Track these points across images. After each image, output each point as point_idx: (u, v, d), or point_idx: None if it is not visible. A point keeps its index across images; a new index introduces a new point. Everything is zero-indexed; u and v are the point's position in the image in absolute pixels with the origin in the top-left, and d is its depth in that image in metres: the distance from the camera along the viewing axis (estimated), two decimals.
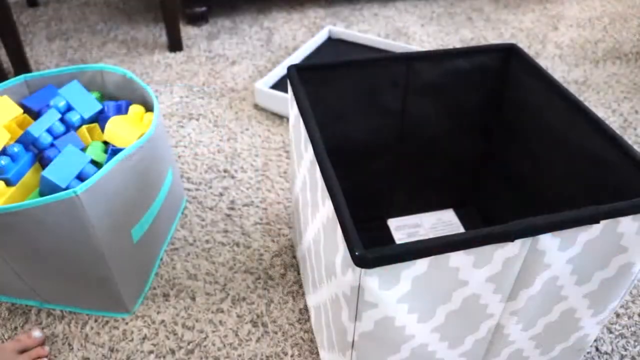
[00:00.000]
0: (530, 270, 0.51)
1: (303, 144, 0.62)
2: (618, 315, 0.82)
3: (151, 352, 0.77)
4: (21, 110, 0.82)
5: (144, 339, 0.79)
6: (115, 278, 0.76)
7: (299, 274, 0.88)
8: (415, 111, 0.80)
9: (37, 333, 0.76)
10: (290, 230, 0.95)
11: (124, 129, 0.80)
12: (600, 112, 1.26)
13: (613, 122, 1.23)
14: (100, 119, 0.86)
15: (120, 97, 0.91)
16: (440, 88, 0.78)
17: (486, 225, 0.94)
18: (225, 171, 1.08)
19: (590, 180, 0.64)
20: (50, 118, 0.80)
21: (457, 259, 0.47)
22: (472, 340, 0.58)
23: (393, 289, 0.47)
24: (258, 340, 0.79)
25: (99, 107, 0.85)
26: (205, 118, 1.22)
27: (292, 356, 0.77)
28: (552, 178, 0.72)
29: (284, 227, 0.96)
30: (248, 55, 1.45)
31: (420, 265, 0.46)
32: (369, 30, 1.58)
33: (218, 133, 1.18)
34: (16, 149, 0.77)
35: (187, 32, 1.57)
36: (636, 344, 0.78)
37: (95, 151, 0.80)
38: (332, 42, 1.46)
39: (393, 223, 0.94)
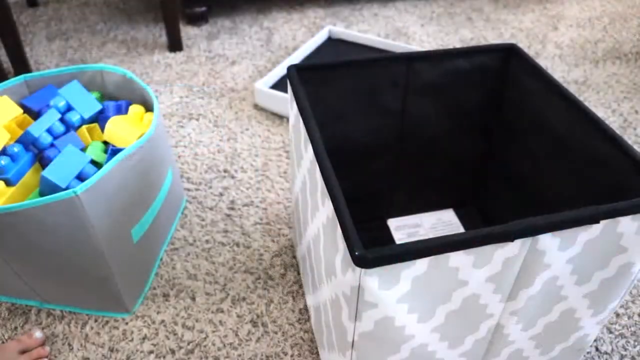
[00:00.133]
0: (530, 270, 0.51)
1: (303, 144, 0.62)
2: (618, 315, 0.82)
3: (151, 352, 0.77)
4: (21, 110, 0.82)
5: (144, 339, 0.79)
6: (115, 278, 0.76)
7: (299, 274, 0.88)
8: (415, 111, 0.80)
9: (38, 333, 0.76)
10: (290, 230, 0.95)
11: (124, 129, 0.80)
12: (600, 112, 1.26)
13: (613, 122, 1.23)
14: (100, 119, 0.86)
15: (120, 97, 0.91)
16: (440, 88, 0.78)
17: (486, 225, 0.94)
18: (225, 171, 1.08)
19: (590, 180, 0.64)
20: (50, 118, 0.80)
21: (457, 259, 0.47)
22: (472, 340, 0.58)
23: (393, 289, 0.47)
24: (258, 340, 0.79)
25: (99, 107, 0.85)
26: (205, 118, 1.22)
27: (292, 356, 0.77)
28: (552, 178, 0.72)
29: (284, 227, 0.96)
30: (248, 55, 1.45)
31: (420, 265, 0.46)
32: (369, 30, 1.58)
33: (218, 133, 1.18)
34: (16, 149, 0.77)
35: (187, 32, 1.57)
36: (636, 344, 0.78)
37: (95, 151, 0.80)
38: (332, 42, 1.46)
39: (393, 223, 0.94)
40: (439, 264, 0.47)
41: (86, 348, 0.78)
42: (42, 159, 0.79)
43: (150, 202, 0.81)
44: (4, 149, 0.77)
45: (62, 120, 0.83)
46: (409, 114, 0.80)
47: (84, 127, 0.84)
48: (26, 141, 0.78)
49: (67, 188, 0.72)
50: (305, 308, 0.83)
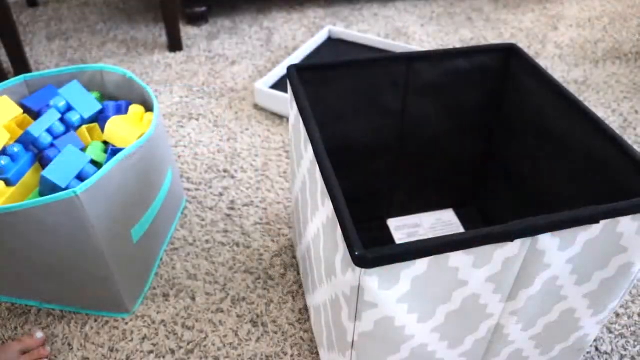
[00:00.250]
0: (530, 270, 0.51)
1: (303, 144, 0.62)
2: (618, 315, 0.82)
3: (151, 352, 0.77)
4: (21, 110, 0.82)
5: (143, 339, 0.79)
6: (115, 278, 0.76)
7: (299, 274, 0.88)
8: (415, 111, 0.80)
9: (39, 334, 0.76)
10: (290, 230, 0.95)
11: (124, 129, 0.80)
12: (600, 112, 1.26)
13: (613, 122, 1.23)
14: (100, 119, 0.86)
15: (120, 97, 0.91)
16: (440, 88, 0.78)
17: (486, 225, 0.94)
18: (225, 171, 1.08)
19: (590, 180, 0.64)
20: (50, 118, 0.80)
21: (457, 259, 0.47)
22: (472, 340, 0.58)
23: (393, 289, 0.47)
24: (258, 340, 0.79)
25: (99, 107, 0.85)
26: (205, 118, 1.22)
27: (292, 356, 0.77)
28: (552, 178, 0.72)
29: (284, 227, 0.96)
30: (248, 55, 1.45)
31: (420, 265, 0.46)
32: (369, 30, 1.58)
33: (218, 133, 1.18)
34: (16, 149, 0.77)
35: (187, 32, 1.57)
36: (636, 343, 0.78)
37: (95, 151, 0.80)
38: (332, 42, 1.46)
39: (393, 223, 0.94)
40: (439, 264, 0.47)
41: (86, 348, 0.78)
42: (42, 159, 0.79)
43: (150, 202, 0.81)
44: (4, 149, 0.77)
45: (62, 120, 0.83)
46: (409, 114, 0.80)
47: (84, 127, 0.84)
48: (26, 141, 0.78)
49: (67, 188, 0.72)
50: (305, 308, 0.83)
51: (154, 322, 0.81)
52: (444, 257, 0.46)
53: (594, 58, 1.46)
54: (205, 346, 0.78)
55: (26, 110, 0.85)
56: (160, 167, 0.82)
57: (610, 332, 0.80)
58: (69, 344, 0.78)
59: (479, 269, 0.49)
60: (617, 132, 1.15)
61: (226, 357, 0.76)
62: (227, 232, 0.95)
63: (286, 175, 1.07)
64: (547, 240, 0.49)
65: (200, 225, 0.96)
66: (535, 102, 0.73)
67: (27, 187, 0.76)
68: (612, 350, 0.77)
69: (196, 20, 1.59)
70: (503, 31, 1.59)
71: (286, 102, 1.18)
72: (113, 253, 0.74)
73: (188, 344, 0.78)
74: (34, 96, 0.86)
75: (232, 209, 0.99)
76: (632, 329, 0.80)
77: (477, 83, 0.79)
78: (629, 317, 0.82)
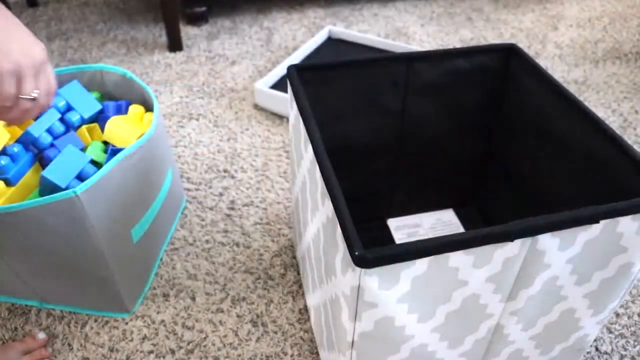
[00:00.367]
0: (530, 270, 0.51)
1: (303, 144, 0.62)
2: (618, 315, 0.82)
3: (151, 352, 0.77)
4: None
5: (143, 338, 0.79)
6: (115, 278, 0.76)
7: (298, 274, 0.88)
8: (415, 111, 0.80)
9: (41, 335, 0.77)
10: (290, 230, 0.95)
11: (123, 129, 0.80)
12: (600, 112, 1.26)
13: (613, 122, 1.23)
14: (100, 119, 0.86)
15: (120, 97, 0.91)
16: (440, 88, 0.78)
17: (486, 225, 0.94)
18: (225, 171, 1.08)
19: (590, 180, 0.64)
20: (50, 118, 0.80)
21: (457, 259, 0.47)
22: (472, 340, 0.58)
23: (393, 289, 0.47)
24: (258, 340, 0.79)
25: (98, 107, 0.85)
26: (205, 118, 1.22)
27: (292, 356, 0.77)
28: (552, 178, 0.72)
29: (284, 227, 0.96)
30: (248, 55, 1.45)
31: (420, 265, 0.46)
32: (368, 30, 1.58)
33: (218, 133, 1.18)
34: (16, 149, 0.77)
35: (187, 32, 1.57)
36: (636, 343, 0.78)
37: (95, 151, 0.80)
38: (332, 42, 1.46)
39: (393, 223, 0.94)
40: (439, 264, 0.47)
41: (86, 348, 0.78)
42: (42, 159, 0.79)
43: (150, 202, 0.81)
44: (4, 149, 0.77)
45: (62, 120, 0.83)
46: (409, 114, 0.80)
47: (84, 127, 0.84)
48: (26, 141, 0.78)
49: (67, 188, 0.72)
50: (305, 308, 0.83)
51: (153, 322, 0.81)
52: (444, 257, 0.46)
53: (594, 58, 1.46)
54: (205, 346, 0.78)
55: None
56: (160, 167, 0.82)
57: (610, 332, 0.80)
58: (69, 344, 0.78)
59: (479, 269, 0.49)
60: (617, 132, 1.15)
61: (226, 357, 0.76)
62: (227, 232, 0.95)
63: (286, 175, 1.07)
64: (547, 240, 0.49)
65: (200, 225, 0.96)
66: (535, 102, 0.73)
67: (27, 187, 0.76)
68: (612, 350, 0.77)
69: (196, 20, 1.59)
70: (503, 31, 1.59)
71: (286, 102, 1.18)
72: (113, 253, 0.74)
73: (188, 344, 0.78)
74: None
75: (232, 209, 0.99)
76: (632, 329, 0.80)
77: (477, 83, 0.79)
78: (629, 317, 0.82)
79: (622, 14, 1.69)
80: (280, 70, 1.28)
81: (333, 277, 0.53)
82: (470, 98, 0.81)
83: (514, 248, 0.48)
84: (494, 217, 0.91)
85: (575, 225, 0.48)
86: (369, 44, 1.44)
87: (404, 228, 0.93)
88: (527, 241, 0.48)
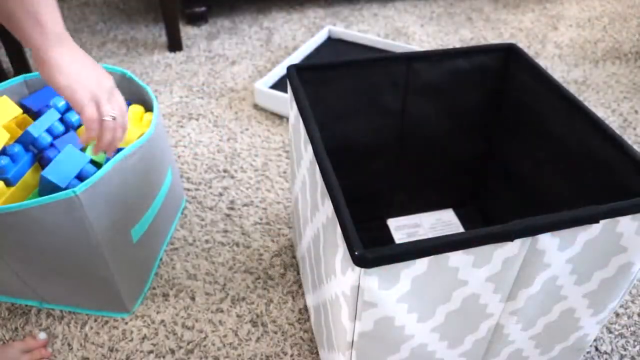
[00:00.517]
0: (530, 270, 0.51)
1: (303, 144, 0.62)
2: (618, 315, 0.82)
3: (151, 352, 0.77)
4: (21, 110, 0.82)
5: (143, 338, 0.79)
6: (114, 278, 0.76)
7: (298, 273, 0.88)
8: (415, 111, 0.80)
9: (42, 335, 0.77)
10: (290, 230, 0.95)
11: None
12: (600, 112, 1.26)
13: (613, 122, 1.23)
14: None
15: None
16: (440, 88, 0.78)
17: (486, 225, 0.94)
18: (225, 171, 1.08)
19: (590, 180, 0.64)
20: (50, 118, 0.80)
21: (457, 258, 0.47)
22: (472, 340, 0.58)
23: (393, 288, 0.47)
24: (258, 340, 0.79)
25: None
26: (205, 118, 1.22)
27: (291, 356, 0.77)
28: (552, 178, 0.72)
29: (284, 227, 0.96)
30: (248, 55, 1.45)
31: (420, 265, 0.46)
32: (368, 30, 1.58)
33: (218, 133, 1.18)
34: (16, 149, 0.77)
35: (187, 32, 1.57)
36: (636, 343, 0.78)
37: None
38: (331, 42, 1.46)
39: (393, 223, 0.94)
40: (438, 263, 0.47)
41: (86, 348, 0.78)
42: (41, 159, 0.79)
43: (150, 202, 0.81)
44: (4, 149, 0.77)
45: (61, 120, 0.83)
46: (409, 114, 0.80)
47: (84, 127, 0.84)
48: (26, 141, 0.78)
49: (66, 188, 0.72)
50: (305, 308, 0.83)
51: (153, 322, 0.81)
52: (444, 257, 0.46)
53: (593, 58, 1.46)
54: (205, 346, 0.78)
55: (26, 110, 0.85)
56: (160, 167, 0.82)
57: (610, 332, 0.80)
58: (69, 344, 0.78)
59: (479, 268, 0.49)
60: (617, 132, 1.15)
61: (226, 357, 0.76)
62: (226, 232, 0.95)
63: (286, 175, 1.07)
64: (547, 240, 0.49)
65: (200, 225, 0.96)
66: (535, 102, 0.73)
67: (26, 187, 0.76)
68: (612, 350, 0.77)
69: (196, 20, 1.59)
70: (503, 31, 1.59)
71: (286, 102, 1.18)
72: (113, 253, 0.74)
73: (188, 343, 0.78)
74: (34, 96, 0.86)
75: (232, 209, 0.99)
76: (632, 328, 0.80)
77: (476, 83, 0.79)
78: (628, 317, 0.82)
79: (622, 14, 1.69)
80: (280, 70, 1.28)
81: (333, 277, 0.53)
82: (470, 98, 0.81)
83: (513, 248, 0.48)
84: (494, 217, 0.91)
85: (575, 225, 0.48)
86: (368, 44, 1.44)
87: (404, 228, 0.93)
88: (527, 241, 0.48)
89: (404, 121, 0.81)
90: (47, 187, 0.72)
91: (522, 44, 1.52)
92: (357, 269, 0.45)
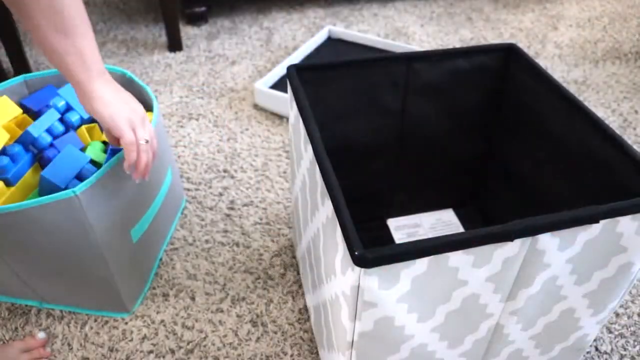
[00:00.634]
0: (530, 270, 0.51)
1: (303, 144, 0.62)
2: (618, 315, 0.82)
3: (151, 351, 0.77)
4: (21, 110, 0.82)
5: (143, 338, 0.79)
6: (114, 278, 0.76)
7: (298, 273, 0.88)
8: (415, 111, 0.80)
9: (41, 334, 0.77)
10: (290, 230, 0.95)
11: None
12: (600, 112, 1.26)
13: (613, 122, 1.23)
14: None
15: None
16: (440, 88, 0.78)
17: (486, 225, 0.94)
18: (225, 171, 1.08)
19: (590, 180, 0.64)
20: (50, 118, 0.80)
21: (457, 258, 0.47)
22: (472, 340, 0.58)
23: (393, 288, 0.47)
24: (258, 340, 0.79)
25: None
26: (205, 118, 1.22)
27: (291, 356, 0.77)
28: (552, 178, 0.72)
29: (284, 227, 0.96)
30: (248, 55, 1.45)
31: (420, 265, 0.46)
32: (368, 30, 1.58)
33: (218, 133, 1.18)
34: (16, 149, 0.77)
35: (187, 32, 1.57)
36: (636, 343, 0.78)
37: (95, 151, 0.80)
38: (331, 42, 1.46)
39: (393, 223, 0.94)
40: (438, 263, 0.47)
41: (86, 348, 0.78)
42: (41, 159, 0.79)
43: (150, 202, 0.81)
44: (4, 149, 0.77)
45: (61, 120, 0.83)
46: (409, 114, 0.80)
47: (84, 127, 0.84)
48: (26, 141, 0.78)
49: (66, 188, 0.72)
50: (305, 308, 0.83)
51: (153, 322, 0.81)
52: (444, 257, 0.46)
53: (593, 58, 1.46)
54: (205, 346, 0.78)
55: (26, 110, 0.85)
56: (160, 167, 0.82)
57: (610, 332, 0.80)
58: (69, 344, 0.78)
59: (479, 268, 0.49)
60: (617, 132, 1.15)
61: (226, 357, 0.76)
62: (226, 232, 0.95)
63: (286, 175, 1.07)
64: (547, 240, 0.49)
65: (200, 225, 0.96)
66: (535, 102, 0.73)
67: (26, 187, 0.76)
68: (612, 350, 0.77)
69: (196, 20, 1.59)
70: (503, 31, 1.59)
71: (286, 102, 1.18)
72: (112, 253, 0.74)
73: (188, 343, 0.78)
74: (34, 96, 0.86)
75: (232, 209, 0.99)
76: (632, 328, 0.80)
77: (476, 83, 0.79)
78: (628, 317, 0.82)
79: (622, 14, 1.69)
80: (280, 70, 1.28)
81: (333, 276, 0.53)
82: (470, 98, 0.81)
83: (513, 248, 0.48)
84: (494, 217, 0.91)
85: (575, 225, 0.48)
86: (368, 44, 1.44)
87: (404, 228, 0.93)
88: (527, 241, 0.48)
89: (404, 121, 0.81)
90: (47, 187, 0.72)
91: (522, 44, 1.52)
92: (357, 269, 0.45)
